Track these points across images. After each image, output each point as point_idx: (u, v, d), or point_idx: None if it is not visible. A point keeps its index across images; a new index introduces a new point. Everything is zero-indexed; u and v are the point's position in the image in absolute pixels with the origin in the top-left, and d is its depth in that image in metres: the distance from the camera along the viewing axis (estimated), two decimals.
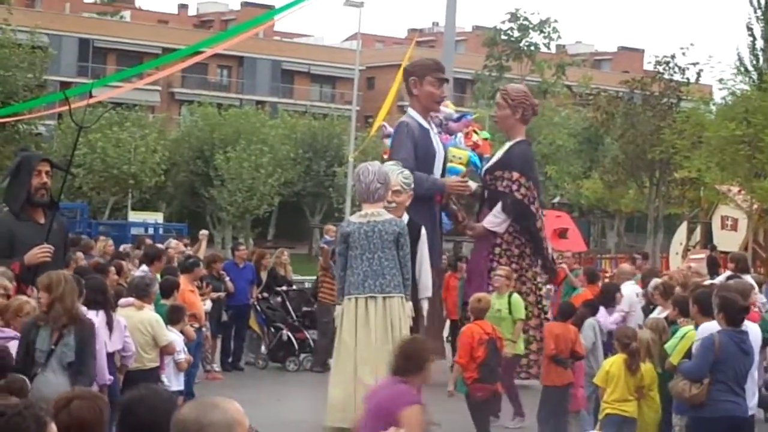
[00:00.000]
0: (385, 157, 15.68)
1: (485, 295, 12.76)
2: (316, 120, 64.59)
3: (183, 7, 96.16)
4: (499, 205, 16.49)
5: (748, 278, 15.42)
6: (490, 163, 17.25)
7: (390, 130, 16.73)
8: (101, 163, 51.20)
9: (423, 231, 11.86)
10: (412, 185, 12.02)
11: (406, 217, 11.35)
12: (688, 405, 9.95)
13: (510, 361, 13.69)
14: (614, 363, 10.92)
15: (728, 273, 15.77)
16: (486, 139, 18.58)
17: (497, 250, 16.47)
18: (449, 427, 12.15)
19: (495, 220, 16.45)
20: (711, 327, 10.27)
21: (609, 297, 14.22)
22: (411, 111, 15.08)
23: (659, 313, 13.16)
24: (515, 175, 16.53)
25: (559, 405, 12.32)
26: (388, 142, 16.59)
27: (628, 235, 64.83)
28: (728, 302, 9.94)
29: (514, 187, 16.50)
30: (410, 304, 10.74)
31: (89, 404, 5.04)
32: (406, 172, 11.63)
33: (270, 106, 72.30)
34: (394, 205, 11.16)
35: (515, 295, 14.48)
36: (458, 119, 17.60)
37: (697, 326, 10.35)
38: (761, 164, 31.09)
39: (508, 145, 17.12)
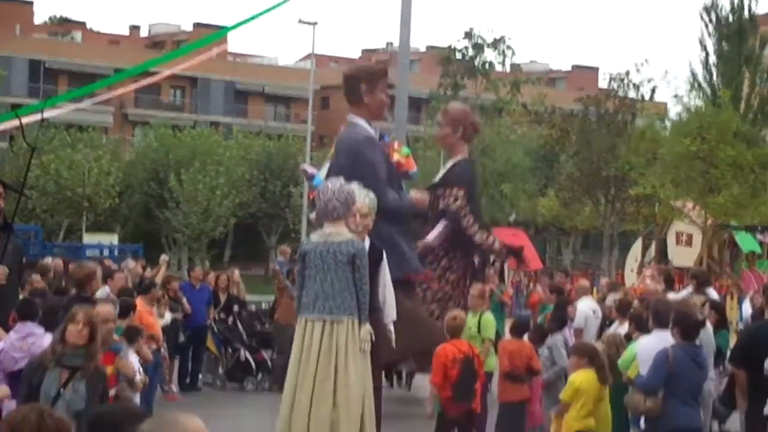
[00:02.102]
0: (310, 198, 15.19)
1: (460, 312, 12.62)
2: (271, 140, 64.50)
3: (135, 28, 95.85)
4: (441, 222, 16.54)
5: (711, 292, 15.55)
6: (434, 181, 17.34)
7: (313, 171, 15.34)
8: (54, 184, 50.89)
9: (384, 255, 11.68)
10: (376, 208, 11.80)
11: (367, 241, 11.22)
12: (643, 418, 10.02)
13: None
14: (584, 378, 10.85)
15: (690, 288, 15.83)
16: (408, 155, 18.46)
17: (429, 258, 16.49)
18: None
19: (436, 237, 16.48)
20: (649, 341, 10.35)
21: (563, 312, 14.23)
22: (359, 120, 13.29)
23: (616, 329, 13.22)
24: (455, 191, 16.60)
25: (517, 421, 12.30)
26: (315, 181, 15.30)
27: (584, 252, 65.15)
28: (684, 316, 10.01)
29: (450, 200, 16.62)
30: (367, 327, 10.51)
31: (57, 422, 5.02)
32: (372, 194, 11.44)
33: (224, 127, 72.12)
34: (360, 228, 11.00)
35: (486, 314, 14.35)
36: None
37: None
38: (715, 179, 31.36)
39: (450, 163, 17.17)
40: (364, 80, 13.21)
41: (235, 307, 19.79)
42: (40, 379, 7.97)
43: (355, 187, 11.33)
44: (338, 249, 10.63)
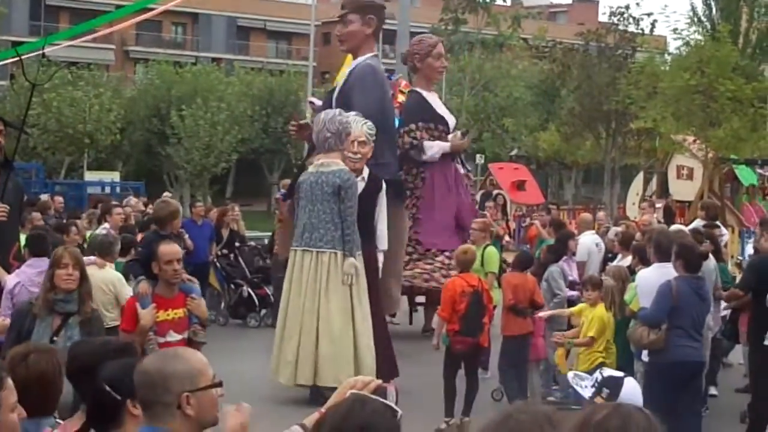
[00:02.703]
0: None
1: (471, 246, 12.64)
2: (273, 76, 64.25)
3: None
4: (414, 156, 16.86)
5: (720, 225, 15.64)
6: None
7: (319, 103, 14.81)
8: (56, 122, 50.79)
9: (383, 185, 11.61)
10: (375, 136, 11.69)
11: (366, 171, 11.18)
12: (646, 350, 10.10)
13: None
14: (603, 312, 11.00)
15: (700, 221, 15.87)
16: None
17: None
18: (429, 379, 12.26)
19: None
20: (648, 273, 10.42)
21: (563, 245, 14.27)
22: (368, 54, 13.12)
23: (618, 261, 13.28)
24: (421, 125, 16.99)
25: (519, 355, 12.39)
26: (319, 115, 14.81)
27: (586, 187, 65.20)
28: (686, 248, 10.05)
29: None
30: (350, 261, 10.38)
31: (46, 357, 5.05)
32: (370, 123, 11.33)
33: (226, 63, 71.84)
34: (359, 156, 10.90)
35: (489, 248, 14.35)
36: None
37: None
38: (715, 113, 31.28)
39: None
40: (372, 13, 13.04)
41: (236, 243, 19.84)
42: (29, 328, 7.63)
43: (352, 115, 11.24)
44: (326, 180, 10.59)
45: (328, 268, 10.29)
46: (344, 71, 13.90)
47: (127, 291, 11.37)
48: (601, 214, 25.70)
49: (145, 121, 58.10)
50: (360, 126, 11.08)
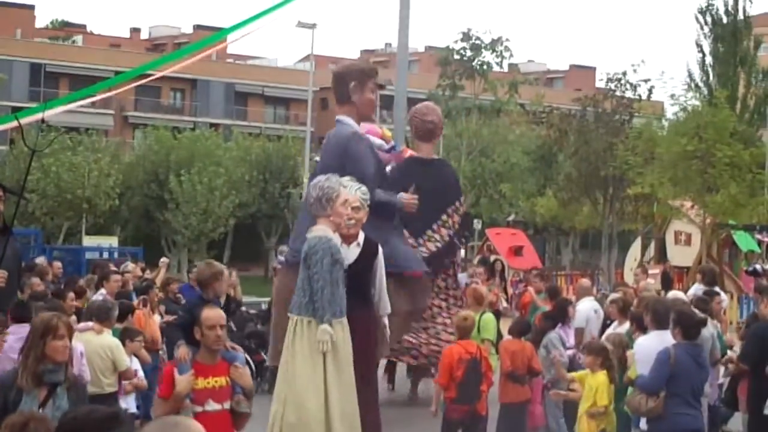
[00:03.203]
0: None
1: (470, 313, 12.60)
2: (271, 142, 64.56)
3: (135, 30, 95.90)
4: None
5: (719, 291, 15.63)
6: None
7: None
8: (55, 187, 50.89)
9: (380, 249, 11.55)
10: (369, 201, 11.64)
11: (362, 235, 11.14)
12: (645, 418, 10.04)
13: None
14: (605, 380, 10.96)
15: (698, 286, 15.90)
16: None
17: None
18: None
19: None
20: (646, 340, 10.40)
21: (563, 312, 14.25)
22: (347, 119, 12.88)
23: (615, 328, 13.25)
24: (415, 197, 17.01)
25: (517, 422, 12.33)
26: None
27: (583, 252, 65.13)
28: (684, 316, 10.03)
29: (450, 210, 16.87)
30: (323, 327, 10.20)
31: (45, 426, 5.04)
32: (364, 187, 11.29)
33: (224, 129, 72.17)
34: (353, 221, 10.86)
35: (486, 315, 14.29)
36: (389, 150, 17.07)
37: None
38: (713, 179, 31.39)
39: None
40: (353, 78, 13.01)
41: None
42: (15, 399, 7.15)
43: (347, 180, 11.21)
44: (302, 246, 10.59)
45: (293, 333, 10.22)
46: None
47: (124, 357, 11.34)
48: (603, 279, 25.66)
49: (143, 186, 58.24)
50: (354, 190, 11.03)
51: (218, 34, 24.43)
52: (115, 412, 5.15)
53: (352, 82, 12.95)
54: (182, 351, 8.79)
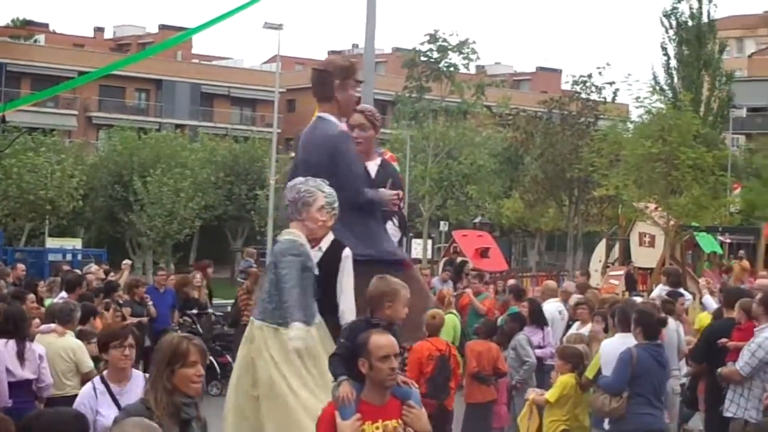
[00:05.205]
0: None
1: (439, 311, 12.63)
2: (237, 143, 64.38)
3: (99, 30, 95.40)
4: (391, 223, 16.45)
5: (684, 292, 15.72)
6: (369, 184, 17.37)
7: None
8: (17, 189, 50.46)
9: (346, 252, 11.41)
10: (335, 203, 11.49)
11: (331, 236, 11.04)
12: (607, 418, 10.09)
13: None
14: (569, 383, 10.95)
15: (662, 287, 16.01)
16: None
17: None
18: None
19: (395, 236, 16.47)
20: (612, 343, 10.44)
21: (538, 314, 14.33)
22: (329, 116, 13.16)
23: (578, 329, 13.29)
24: (400, 193, 16.67)
25: (483, 422, 12.33)
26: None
27: (549, 254, 65.37)
28: (645, 315, 10.10)
29: (402, 204, 16.68)
30: (295, 326, 9.98)
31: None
32: (328, 189, 11.15)
33: (190, 130, 71.86)
34: (319, 224, 10.75)
35: (448, 316, 14.35)
36: None
37: None
38: (677, 181, 31.50)
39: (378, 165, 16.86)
40: (336, 76, 12.84)
41: (195, 310, 19.78)
42: None
43: (314, 182, 11.10)
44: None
45: (250, 339, 10.03)
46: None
47: (86, 359, 11.21)
48: (567, 283, 25.70)
49: (107, 188, 57.86)
50: (322, 193, 10.90)
51: (183, 34, 24.39)
52: (81, 414, 5.11)
53: (336, 80, 12.81)
54: (345, 389, 7.15)
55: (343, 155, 12.60)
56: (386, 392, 6.64)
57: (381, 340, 6.69)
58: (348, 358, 7.40)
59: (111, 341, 7.93)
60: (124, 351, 7.91)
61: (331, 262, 11.09)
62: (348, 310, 11.32)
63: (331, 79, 12.97)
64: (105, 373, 7.95)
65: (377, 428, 6.58)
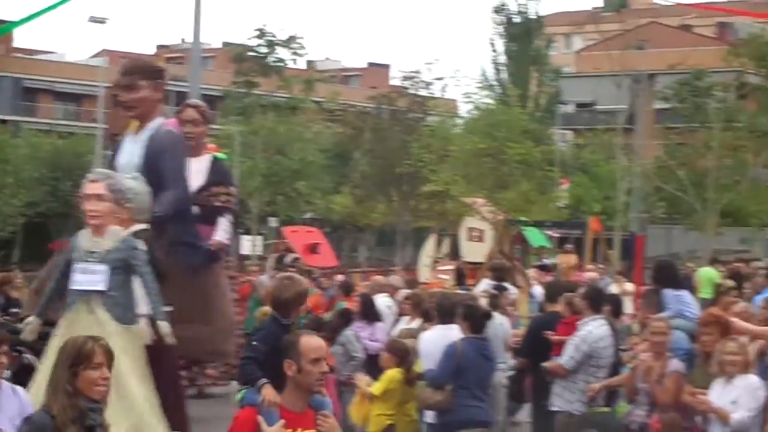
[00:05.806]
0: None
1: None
2: (62, 139, 63.02)
3: None
4: (224, 219, 16.22)
5: (509, 286, 15.90)
6: (201, 180, 17.00)
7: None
8: None
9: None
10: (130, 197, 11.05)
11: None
12: (433, 410, 10.15)
13: None
14: (394, 377, 10.91)
15: (487, 281, 16.17)
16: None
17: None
18: None
19: (226, 234, 16.22)
20: (431, 336, 10.53)
21: (370, 308, 14.33)
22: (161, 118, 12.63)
23: (408, 323, 13.31)
24: (232, 189, 16.42)
25: None
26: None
27: (379, 249, 65.69)
28: (470, 309, 10.19)
29: (233, 200, 16.48)
30: (162, 323, 9.59)
31: None
32: (128, 182, 10.53)
33: (12, 125, 70.02)
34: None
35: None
36: None
37: None
38: (505, 176, 31.99)
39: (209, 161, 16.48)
40: (161, 77, 12.47)
41: (16, 309, 19.23)
42: None
43: (123, 178, 10.70)
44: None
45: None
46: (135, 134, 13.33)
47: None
48: (395, 278, 25.79)
49: None
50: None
51: (5, 27, 23.69)
52: None
53: (159, 80, 12.47)
54: (269, 392, 6.92)
55: (177, 152, 12.16)
56: (308, 398, 6.23)
57: (313, 342, 6.26)
58: (263, 361, 7.16)
59: None
60: None
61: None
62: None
63: (158, 76, 12.73)
64: None
65: None
